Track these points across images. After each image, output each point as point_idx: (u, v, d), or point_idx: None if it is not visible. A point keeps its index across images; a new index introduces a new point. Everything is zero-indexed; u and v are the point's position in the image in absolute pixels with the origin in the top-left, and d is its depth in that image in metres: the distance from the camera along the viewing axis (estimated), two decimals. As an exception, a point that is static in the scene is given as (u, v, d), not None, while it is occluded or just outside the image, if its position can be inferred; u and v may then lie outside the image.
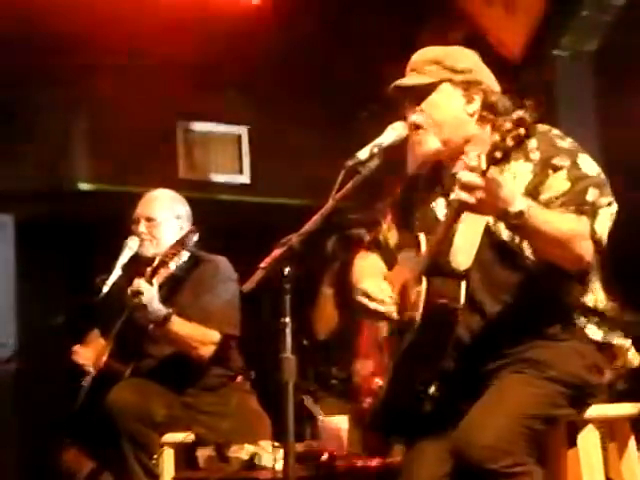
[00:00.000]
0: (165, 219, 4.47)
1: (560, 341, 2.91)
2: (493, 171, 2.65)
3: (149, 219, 4.46)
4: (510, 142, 2.58)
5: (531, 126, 2.59)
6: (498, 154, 2.59)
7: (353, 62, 6.15)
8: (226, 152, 6.63)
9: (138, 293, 4.19)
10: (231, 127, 6.63)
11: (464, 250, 2.90)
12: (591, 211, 2.84)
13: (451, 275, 2.87)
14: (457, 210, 2.75)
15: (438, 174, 3.11)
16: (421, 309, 2.85)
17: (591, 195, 2.85)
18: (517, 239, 2.90)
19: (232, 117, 6.57)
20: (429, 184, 3.14)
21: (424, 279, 2.87)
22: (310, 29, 6.00)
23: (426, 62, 3.02)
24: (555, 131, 2.98)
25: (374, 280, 3.10)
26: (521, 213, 2.68)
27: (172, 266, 4.26)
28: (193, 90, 6.17)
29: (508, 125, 2.58)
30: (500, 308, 2.93)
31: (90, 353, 4.55)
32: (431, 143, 3.00)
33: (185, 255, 4.26)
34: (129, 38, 5.76)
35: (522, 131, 2.57)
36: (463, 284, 2.85)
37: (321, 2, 6.02)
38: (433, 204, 3.09)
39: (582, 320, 2.95)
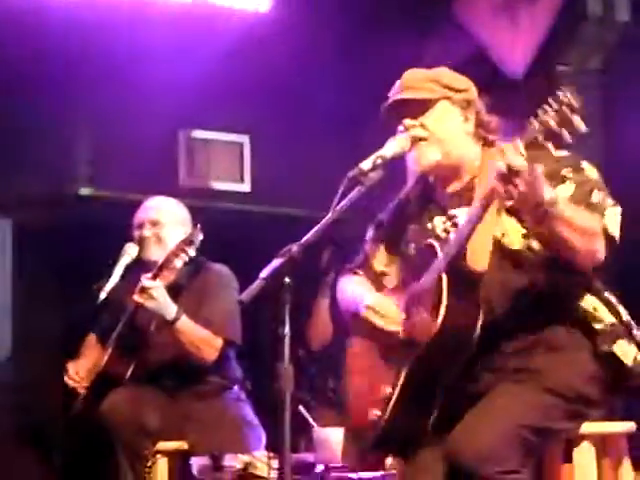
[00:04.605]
0: (170, 222, 4.48)
1: (563, 351, 2.92)
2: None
3: (154, 223, 4.47)
4: (553, 123, 2.57)
5: (576, 109, 2.57)
6: (539, 137, 2.59)
7: (358, 74, 6.15)
8: (227, 160, 6.63)
9: (148, 288, 4.20)
10: (233, 135, 6.63)
11: (480, 253, 2.90)
12: (599, 209, 2.87)
13: (471, 279, 2.86)
14: (486, 201, 2.75)
15: (430, 196, 3.14)
16: (443, 312, 2.82)
17: (596, 196, 2.89)
18: (530, 248, 2.90)
19: (234, 125, 6.57)
20: (421, 207, 3.15)
21: (444, 280, 2.85)
22: (314, 40, 6.01)
23: (423, 80, 3.06)
24: (549, 144, 3.00)
25: (379, 296, 3.11)
26: (554, 200, 2.71)
27: (178, 264, 4.26)
28: (195, 98, 6.17)
29: (548, 108, 2.57)
30: (510, 312, 2.92)
31: (84, 365, 4.53)
32: (431, 155, 3.02)
33: (192, 252, 4.26)
34: (132, 45, 5.76)
35: (568, 112, 2.56)
36: (481, 312, 2.84)
37: (325, 14, 6.03)
38: (429, 225, 3.09)
39: (592, 327, 2.95)
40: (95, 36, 5.68)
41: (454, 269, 2.87)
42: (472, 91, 3.09)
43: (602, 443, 3.08)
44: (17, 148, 6.03)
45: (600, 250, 2.85)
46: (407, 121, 3.03)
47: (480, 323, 2.83)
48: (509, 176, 2.65)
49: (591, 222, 2.83)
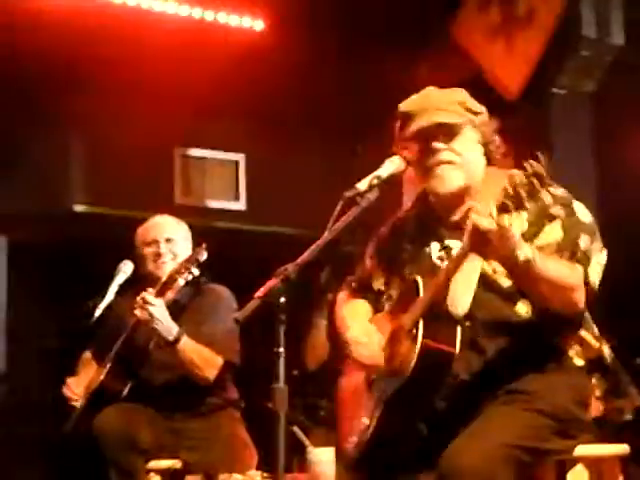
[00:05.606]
0: (181, 239, 4.53)
1: (552, 374, 2.94)
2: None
3: (169, 239, 4.49)
4: (524, 193, 2.57)
5: (545, 179, 2.57)
6: (509, 203, 2.60)
7: (353, 92, 6.18)
8: (223, 178, 6.65)
9: (150, 303, 4.20)
10: (228, 154, 6.64)
11: (461, 296, 2.92)
12: (584, 258, 2.89)
13: (449, 320, 2.88)
14: (463, 253, 2.77)
15: (429, 218, 3.13)
16: (417, 354, 2.85)
17: (583, 242, 2.90)
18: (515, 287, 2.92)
19: (230, 144, 6.59)
20: (419, 227, 3.15)
21: (421, 323, 2.88)
22: (310, 58, 6.03)
23: (449, 102, 3.02)
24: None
25: (362, 327, 3.10)
26: (528, 261, 2.71)
27: (181, 282, 4.27)
28: (191, 116, 6.19)
29: (523, 177, 2.57)
30: (498, 346, 2.94)
31: (81, 382, 4.52)
32: (456, 180, 3.00)
33: (196, 271, 4.28)
34: (128, 63, 5.77)
35: (537, 184, 2.56)
36: (459, 329, 2.87)
37: (322, 33, 6.06)
38: (427, 249, 3.09)
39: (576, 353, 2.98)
40: (90, 53, 5.70)
41: (432, 312, 2.89)
42: (486, 114, 3.06)
43: (596, 466, 3.08)
44: (12, 165, 6.03)
45: (579, 302, 2.88)
46: (438, 145, 2.99)
47: (459, 340, 2.86)
48: (478, 237, 2.66)
49: (571, 277, 2.85)
